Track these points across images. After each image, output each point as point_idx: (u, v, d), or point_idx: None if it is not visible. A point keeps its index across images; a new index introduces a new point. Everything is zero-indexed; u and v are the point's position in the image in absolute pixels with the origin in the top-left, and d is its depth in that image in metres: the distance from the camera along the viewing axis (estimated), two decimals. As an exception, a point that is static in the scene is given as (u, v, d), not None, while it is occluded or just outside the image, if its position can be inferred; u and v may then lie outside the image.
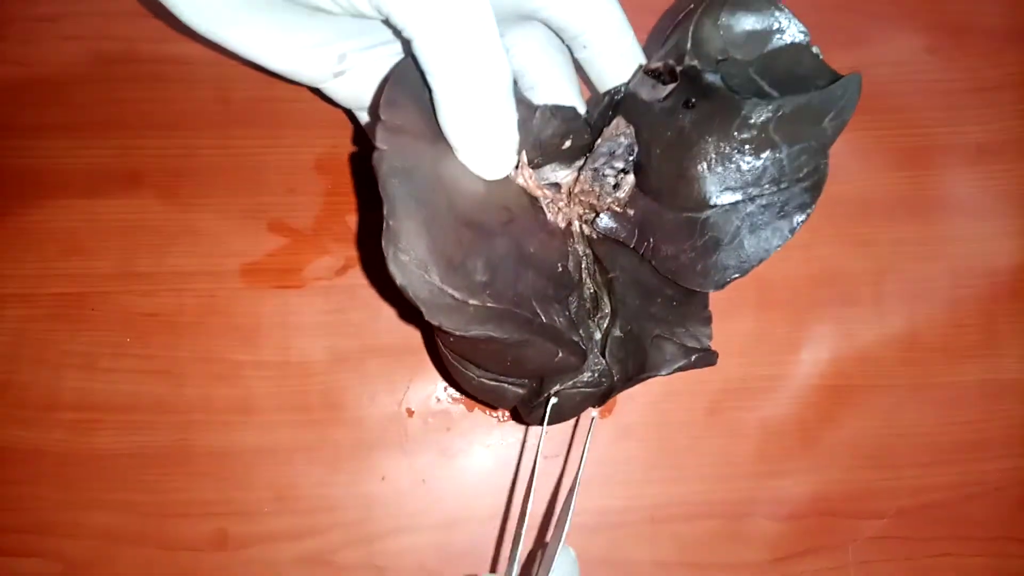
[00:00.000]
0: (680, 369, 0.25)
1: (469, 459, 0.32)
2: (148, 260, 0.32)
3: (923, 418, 0.33)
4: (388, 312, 0.32)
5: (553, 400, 0.25)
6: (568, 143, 0.25)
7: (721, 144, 0.22)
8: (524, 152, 0.24)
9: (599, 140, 0.25)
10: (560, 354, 0.22)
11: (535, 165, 0.25)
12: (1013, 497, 0.33)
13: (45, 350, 0.32)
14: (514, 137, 0.22)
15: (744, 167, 0.22)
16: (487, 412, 0.32)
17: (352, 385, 0.32)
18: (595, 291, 0.26)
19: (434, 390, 0.32)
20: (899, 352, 0.33)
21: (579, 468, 0.25)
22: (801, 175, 0.22)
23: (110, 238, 0.32)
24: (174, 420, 0.31)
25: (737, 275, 0.23)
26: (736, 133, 0.22)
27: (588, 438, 0.27)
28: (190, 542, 0.31)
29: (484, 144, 0.22)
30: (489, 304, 0.20)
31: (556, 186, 0.26)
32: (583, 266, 0.26)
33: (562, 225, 0.26)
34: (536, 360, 0.22)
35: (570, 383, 0.25)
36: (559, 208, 0.26)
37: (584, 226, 0.26)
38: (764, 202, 0.22)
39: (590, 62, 0.25)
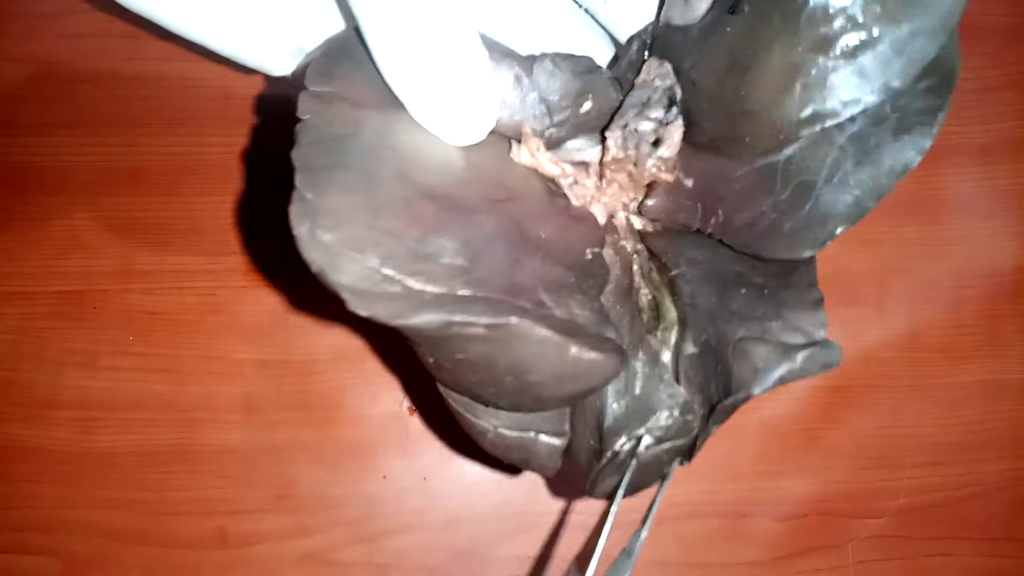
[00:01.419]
0: (783, 380, 0.17)
1: (471, 457, 0.32)
2: (150, 258, 0.32)
3: (924, 418, 0.33)
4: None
5: (634, 459, 0.18)
6: (589, 104, 0.19)
7: (789, 51, 0.16)
8: (528, 122, 0.19)
9: (629, 94, 0.20)
10: (573, 348, 0.16)
11: (553, 141, 0.20)
12: (1013, 497, 0.33)
13: (46, 348, 0.31)
14: (482, 84, 0.18)
15: (830, 75, 0.16)
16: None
17: (354, 384, 0.32)
18: (653, 296, 0.19)
19: (436, 388, 0.32)
20: (901, 352, 0.33)
21: (646, 522, 0.18)
22: (917, 70, 0.16)
23: (112, 236, 0.32)
24: (175, 418, 0.31)
25: (845, 226, 0.17)
26: (807, 30, 0.16)
27: (661, 489, 0.19)
28: (191, 540, 0.31)
29: (437, 92, 0.17)
30: (461, 292, 0.15)
31: (584, 166, 0.21)
32: (634, 268, 0.20)
33: (601, 218, 0.20)
34: (540, 364, 0.16)
35: (643, 431, 0.18)
36: (591, 195, 0.20)
37: (632, 217, 0.20)
38: (870, 119, 0.16)
39: (617, 19, 0.20)
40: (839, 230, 0.17)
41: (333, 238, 0.15)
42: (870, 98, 0.16)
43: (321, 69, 0.17)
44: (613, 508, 0.18)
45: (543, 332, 0.16)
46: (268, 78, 0.24)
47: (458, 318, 0.15)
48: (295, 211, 0.15)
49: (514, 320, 0.15)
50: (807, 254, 0.18)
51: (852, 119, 0.16)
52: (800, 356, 0.17)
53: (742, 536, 0.32)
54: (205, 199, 0.32)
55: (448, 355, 0.17)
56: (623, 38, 0.21)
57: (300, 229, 0.15)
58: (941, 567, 0.32)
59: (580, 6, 0.21)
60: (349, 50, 0.18)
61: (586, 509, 0.31)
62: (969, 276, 0.34)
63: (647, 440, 0.18)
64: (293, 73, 0.23)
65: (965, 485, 0.32)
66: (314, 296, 0.32)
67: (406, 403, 0.32)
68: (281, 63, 0.23)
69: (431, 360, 0.17)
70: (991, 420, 0.33)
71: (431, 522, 0.31)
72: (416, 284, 0.15)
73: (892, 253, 0.34)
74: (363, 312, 0.15)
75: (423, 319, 0.15)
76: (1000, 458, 0.33)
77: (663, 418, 0.18)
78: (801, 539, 0.32)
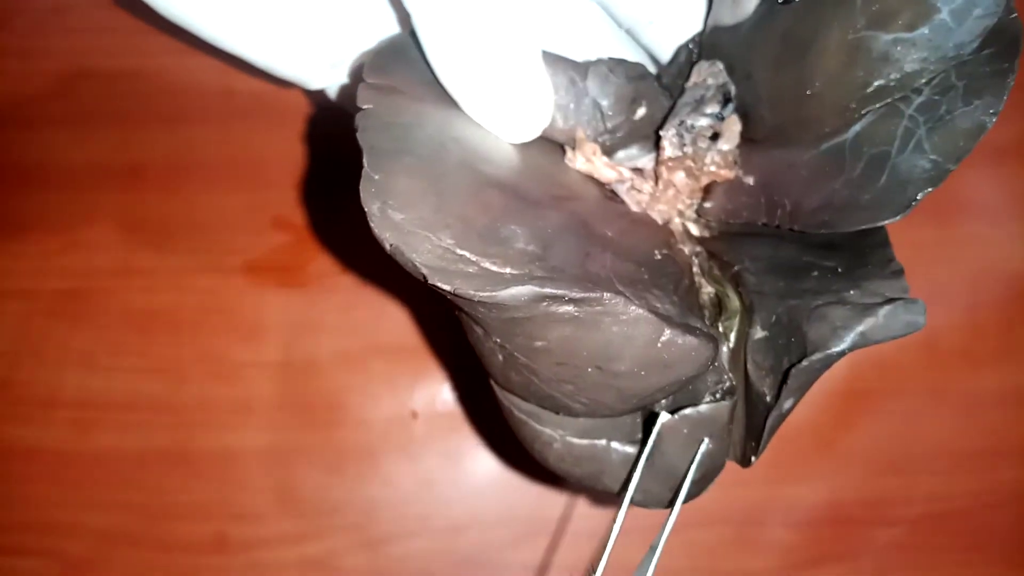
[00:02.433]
0: (864, 338, 0.16)
1: (475, 462, 0.31)
2: (149, 256, 0.32)
3: (941, 425, 0.32)
4: (394, 312, 0.32)
5: (655, 429, 0.17)
6: (643, 110, 0.19)
7: (847, 30, 0.16)
8: (582, 127, 0.19)
9: (682, 95, 0.20)
10: (667, 331, 0.15)
11: (607, 148, 0.20)
12: (1032, 506, 0.32)
13: (44, 347, 0.31)
14: (535, 76, 0.18)
15: (892, 49, 0.16)
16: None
17: (356, 386, 0.31)
18: (715, 292, 0.19)
19: (440, 392, 0.32)
20: (917, 357, 0.32)
21: (672, 508, 0.18)
22: (979, 38, 0.16)
23: (111, 233, 0.32)
24: (174, 420, 0.31)
25: (926, 189, 0.16)
26: (864, 7, 0.16)
27: (688, 476, 0.18)
28: (189, 544, 0.30)
29: (489, 85, 0.17)
30: (539, 275, 0.15)
31: (639, 171, 0.21)
32: (693, 269, 0.20)
33: (658, 221, 0.20)
34: (629, 350, 0.16)
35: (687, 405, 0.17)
36: (645, 200, 0.20)
37: (688, 224, 0.20)
38: (936, 88, 0.16)
39: (662, 40, 0.20)
40: (920, 194, 0.17)
41: (404, 217, 0.15)
42: (934, 67, 0.16)
43: (378, 64, 0.18)
44: (630, 489, 0.17)
45: (637, 310, 0.15)
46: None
47: (549, 290, 0.14)
48: (365, 189, 0.15)
49: (607, 295, 0.15)
50: (889, 219, 0.17)
51: (918, 90, 0.16)
52: (882, 311, 0.16)
53: (754, 544, 0.31)
54: (206, 197, 0.32)
55: (526, 343, 0.16)
56: (665, 59, 0.21)
57: (372, 207, 0.15)
58: (958, 577, 0.31)
59: (621, 27, 0.21)
60: (403, 51, 0.18)
61: (596, 515, 0.31)
62: (985, 280, 0.33)
63: (664, 416, 0.17)
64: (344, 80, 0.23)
65: (983, 493, 0.32)
66: (321, 295, 0.32)
67: (410, 406, 0.31)
68: (318, 76, 0.22)
69: (499, 358, 0.17)
70: (1008, 427, 0.32)
71: (435, 528, 0.31)
72: (493, 266, 0.15)
73: (906, 255, 0.32)
74: (446, 286, 0.14)
75: (513, 292, 0.14)
76: (1019, 466, 0.32)
77: (703, 405, 0.17)
78: (815, 547, 0.31)
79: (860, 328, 0.16)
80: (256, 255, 0.32)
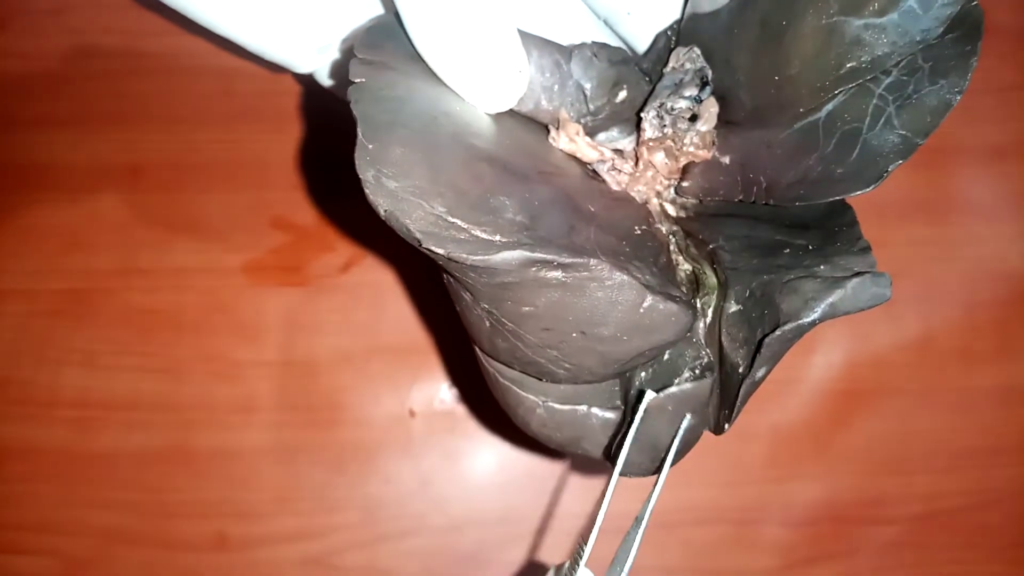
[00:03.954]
0: (833, 308, 0.17)
1: (474, 461, 0.31)
2: (150, 256, 0.32)
3: (937, 423, 0.32)
4: (393, 311, 0.32)
5: (642, 407, 0.17)
6: (624, 94, 0.20)
7: (822, 15, 0.17)
8: (565, 108, 0.20)
9: (661, 79, 0.20)
10: (649, 298, 0.16)
11: (589, 129, 0.21)
12: (1028, 505, 0.32)
13: (45, 347, 0.31)
14: (509, 45, 0.18)
15: (863, 33, 0.17)
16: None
17: (355, 385, 0.31)
18: (692, 269, 0.20)
19: (438, 391, 0.32)
20: (913, 356, 0.32)
21: (656, 484, 0.18)
22: (944, 23, 0.17)
23: (111, 234, 0.32)
24: (174, 419, 0.31)
25: (896, 161, 0.17)
26: None
27: (672, 450, 0.18)
28: (190, 542, 0.30)
29: (464, 53, 0.18)
30: (528, 242, 0.16)
31: (619, 153, 0.21)
32: (671, 248, 0.20)
33: (637, 201, 0.21)
34: (614, 315, 0.16)
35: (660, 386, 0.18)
36: (625, 180, 0.21)
37: (667, 205, 0.21)
38: (904, 69, 0.17)
39: (639, 30, 0.20)
40: (892, 166, 0.17)
41: (398, 185, 0.15)
42: (903, 51, 0.17)
43: (368, 41, 0.18)
44: (618, 465, 0.17)
45: (622, 276, 0.16)
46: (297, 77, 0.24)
47: (539, 255, 0.15)
48: (360, 157, 0.15)
49: (593, 261, 0.16)
50: (861, 190, 0.18)
51: (887, 71, 0.17)
52: (850, 283, 0.17)
53: (751, 543, 0.31)
54: (206, 197, 0.32)
55: (514, 309, 0.16)
56: (642, 49, 0.21)
57: (367, 174, 0.15)
58: (955, 575, 0.31)
59: (599, 17, 0.21)
60: (391, 29, 0.18)
61: (593, 513, 0.31)
62: (981, 279, 0.33)
63: (650, 395, 0.17)
64: (333, 64, 0.23)
65: (979, 491, 0.32)
66: (322, 295, 0.32)
67: (409, 405, 0.31)
68: (306, 60, 0.23)
69: (487, 324, 0.17)
70: (1004, 425, 0.32)
71: (434, 526, 0.31)
72: (483, 234, 0.15)
73: (902, 254, 0.33)
74: (440, 250, 0.15)
75: (505, 256, 0.15)
76: (1015, 464, 0.32)
77: (683, 379, 0.18)
78: (812, 546, 0.31)
79: (830, 299, 0.17)
80: (256, 255, 0.32)
